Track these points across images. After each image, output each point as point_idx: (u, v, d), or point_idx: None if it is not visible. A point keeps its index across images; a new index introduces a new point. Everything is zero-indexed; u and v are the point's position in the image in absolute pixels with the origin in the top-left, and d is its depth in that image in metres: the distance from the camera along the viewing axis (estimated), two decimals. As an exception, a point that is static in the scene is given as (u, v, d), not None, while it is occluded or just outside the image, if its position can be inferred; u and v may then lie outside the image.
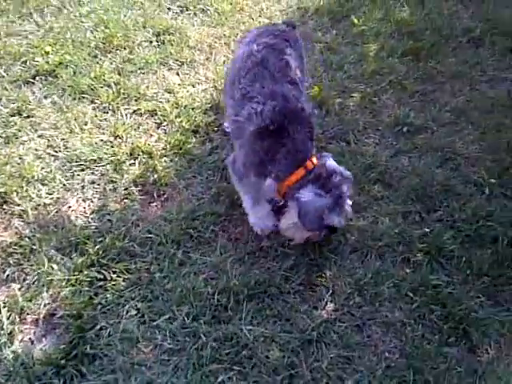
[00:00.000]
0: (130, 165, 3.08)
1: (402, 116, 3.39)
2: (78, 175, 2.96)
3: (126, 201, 2.89)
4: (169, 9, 4.39)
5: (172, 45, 3.96)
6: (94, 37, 3.94)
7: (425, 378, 2.24)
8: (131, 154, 3.14)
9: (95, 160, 3.08)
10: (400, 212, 2.87)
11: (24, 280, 2.48)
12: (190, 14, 4.35)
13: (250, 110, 2.42)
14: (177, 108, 3.43)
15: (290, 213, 2.51)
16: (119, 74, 3.66)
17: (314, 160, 2.46)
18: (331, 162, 2.49)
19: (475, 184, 3.02)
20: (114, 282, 2.53)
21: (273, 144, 2.41)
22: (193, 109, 3.44)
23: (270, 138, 2.40)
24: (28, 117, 3.27)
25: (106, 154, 3.10)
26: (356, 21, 4.17)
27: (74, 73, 3.56)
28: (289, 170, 2.43)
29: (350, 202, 2.50)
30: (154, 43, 4.00)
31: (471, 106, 3.50)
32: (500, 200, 2.94)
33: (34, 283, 2.46)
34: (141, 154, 3.14)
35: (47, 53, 3.71)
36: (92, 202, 2.85)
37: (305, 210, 2.37)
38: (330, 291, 2.56)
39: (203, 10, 4.38)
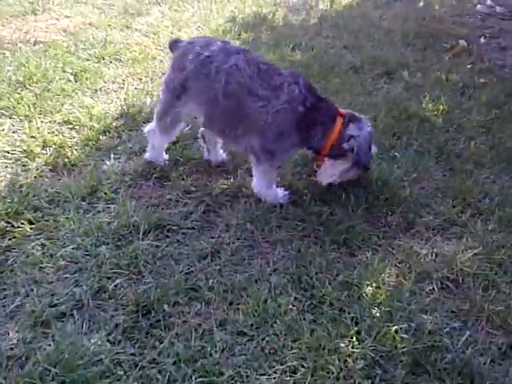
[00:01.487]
0: (42, 154, 3.44)
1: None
2: (-9, 162, 3.27)
3: (37, 177, 3.22)
4: (87, 59, 5.01)
5: (87, 79, 4.52)
6: (15, 74, 4.45)
7: (307, 271, 2.57)
8: (44, 147, 3.51)
9: (8, 151, 3.43)
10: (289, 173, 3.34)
11: None
12: (106, 61, 4.98)
13: (289, 93, 2.83)
14: (89, 117, 3.89)
15: (338, 163, 3.01)
16: (36, 98, 4.13)
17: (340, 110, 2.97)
18: None
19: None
20: (20, 229, 2.78)
21: (317, 109, 2.89)
22: (104, 118, 3.91)
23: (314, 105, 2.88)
24: None
25: (19, 145, 3.46)
26: (254, 61, 4.93)
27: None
28: (331, 123, 2.90)
29: None
30: (72, 80, 4.55)
31: (352, 107, 4.17)
32: (376, 161, 3.48)
33: None
34: (53, 145, 3.52)
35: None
36: (4, 179, 3.14)
37: (362, 142, 2.88)
38: (225, 224, 2.90)
39: (118, 59, 5.05)
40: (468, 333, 2.26)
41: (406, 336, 2.21)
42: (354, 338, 2.20)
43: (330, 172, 3.08)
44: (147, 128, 3.34)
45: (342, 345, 2.18)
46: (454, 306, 2.42)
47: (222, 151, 3.42)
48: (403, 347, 2.16)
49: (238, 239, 2.80)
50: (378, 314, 2.32)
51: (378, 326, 2.24)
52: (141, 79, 4.63)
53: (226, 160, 3.41)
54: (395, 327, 2.24)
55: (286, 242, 2.78)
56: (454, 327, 2.30)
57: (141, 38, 5.61)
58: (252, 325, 2.27)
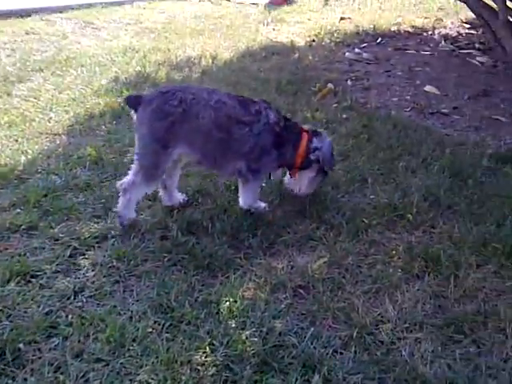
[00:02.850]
0: None
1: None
2: None
3: None
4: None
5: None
6: None
7: (169, 296, 2.67)
8: None
9: None
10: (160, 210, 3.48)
11: None
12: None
13: (267, 116, 3.27)
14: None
15: (306, 173, 3.47)
16: None
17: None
18: None
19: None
20: None
21: (286, 128, 3.37)
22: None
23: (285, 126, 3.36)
24: None
25: None
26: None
27: None
28: (298, 139, 3.37)
29: None
30: None
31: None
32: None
33: None
34: None
35: None
36: None
37: (325, 151, 3.38)
38: (92, 264, 2.97)
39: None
40: (313, 329, 2.43)
41: (255, 339, 2.34)
42: (208, 349, 2.30)
43: (300, 183, 3.50)
44: (122, 184, 3.27)
45: (196, 356, 2.27)
46: (304, 309, 2.59)
47: (178, 193, 3.57)
48: (252, 350, 2.29)
49: (104, 276, 2.87)
50: (233, 325, 2.44)
51: (231, 335, 2.36)
52: (17, 140, 4.67)
53: (185, 198, 3.57)
54: (247, 333, 2.37)
55: (152, 273, 2.88)
56: (302, 327, 2.47)
57: (20, 102, 5.67)
58: (109, 351, 2.32)
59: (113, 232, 3.26)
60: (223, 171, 3.43)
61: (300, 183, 3.51)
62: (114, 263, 2.95)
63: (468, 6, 6.73)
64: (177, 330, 2.45)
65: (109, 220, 3.38)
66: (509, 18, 6.45)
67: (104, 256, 3.01)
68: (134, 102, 3.22)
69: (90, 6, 10.18)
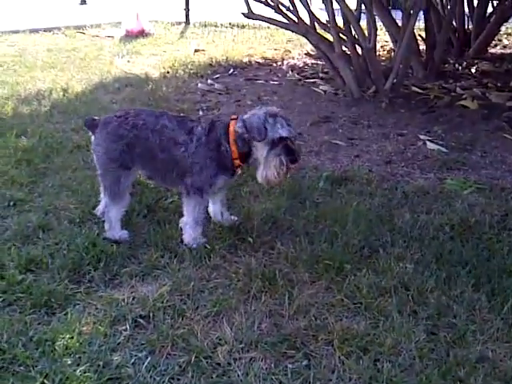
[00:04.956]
0: None
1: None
2: None
3: None
4: None
5: None
6: None
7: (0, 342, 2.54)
8: None
9: None
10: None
11: None
12: None
13: (197, 132, 3.36)
14: None
15: (257, 157, 3.31)
16: None
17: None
18: None
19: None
20: None
21: (212, 132, 3.40)
22: None
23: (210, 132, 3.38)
24: None
25: None
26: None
27: None
28: (226, 131, 3.36)
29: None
30: None
31: (72, 181, 4.31)
32: (88, 225, 3.63)
33: None
34: None
35: None
36: None
37: (249, 122, 3.23)
38: None
39: None
40: (150, 359, 2.45)
41: (90, 374, 2.31)
42: (38, 390, 2.23)
43: (260, 170, 3.28)
44: (99, 210, 3.65)
45: (25, 400, 2.18)
46: (144, 339, 2.60)
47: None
48: (86, 386, 2.25)
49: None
50: (68, 362, 2.39)
51: (65, 372, 2.31)
52: None
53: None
54: (81, 368, 2.33)
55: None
56: (140, 357, 2.48)
57: None
58: None
59: None
60: (174, 187, 3.69)
61: (260, 171, 3.29)
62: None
63: (307, 39, 7.23)
64: (7, 372, 2.35)
65: None
66: (343, 49, 7.06)
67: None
68: (91, 124, 3.53)
69: None
